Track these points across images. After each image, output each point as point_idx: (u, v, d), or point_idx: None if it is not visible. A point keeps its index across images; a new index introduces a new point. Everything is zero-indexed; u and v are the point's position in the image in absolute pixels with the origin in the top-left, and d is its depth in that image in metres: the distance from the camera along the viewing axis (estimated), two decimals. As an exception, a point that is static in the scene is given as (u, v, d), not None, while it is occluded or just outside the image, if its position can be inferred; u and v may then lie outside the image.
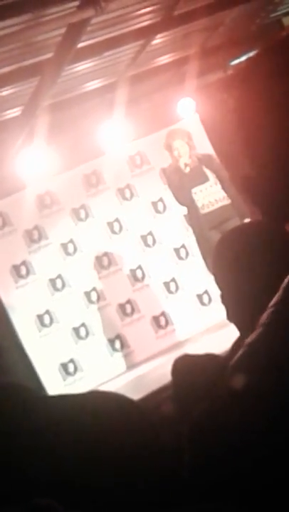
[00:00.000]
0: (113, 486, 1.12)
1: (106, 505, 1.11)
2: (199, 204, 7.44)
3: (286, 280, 0.90)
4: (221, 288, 2.12)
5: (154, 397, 5.10)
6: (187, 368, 2.08)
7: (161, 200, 8.40)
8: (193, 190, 7.42)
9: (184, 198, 7.53)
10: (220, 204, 7.38)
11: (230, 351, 1.94)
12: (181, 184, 7.49)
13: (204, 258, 7.49)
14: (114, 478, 1.14)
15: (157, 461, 1.17)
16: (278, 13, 8.00)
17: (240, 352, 0.87)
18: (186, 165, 7.43)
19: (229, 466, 0.82)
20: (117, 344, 8.34)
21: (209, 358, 2.12)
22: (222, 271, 2.09)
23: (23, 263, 8.20)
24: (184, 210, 7.75)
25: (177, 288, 8.57)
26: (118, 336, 8.35)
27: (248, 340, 0.89)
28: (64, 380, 8.09)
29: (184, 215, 7.90)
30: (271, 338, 0.87)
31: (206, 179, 7.34)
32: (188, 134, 7.65)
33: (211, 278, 2.31)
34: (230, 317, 2.08)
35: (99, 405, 1.29)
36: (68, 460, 1.16)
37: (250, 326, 1.81)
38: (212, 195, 7.34)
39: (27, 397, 1.29)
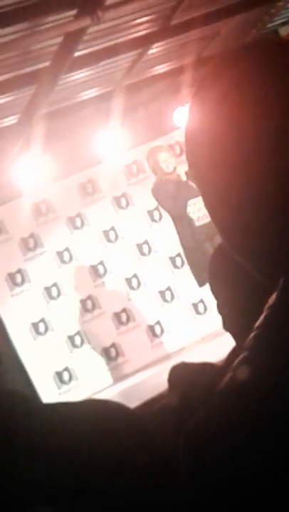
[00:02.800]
0: (109, 492, 1.13)
1: (102, 511, 1.12)
2: (194, 216, 7.47)
3: (281, 282, 0.90)
4: (216, 296, 2.11)
5: (150, 406, 5.09)
6: (184, 375, 2.08)
7: (157, 208, 8.41)
8: (189, 202, 7.45)
9: (179, 208, 7.55)
10: None
11: (226, 360, 1.94)
12: (178, 194, 7.50)
13: (196, 269, 7.51)
14: (110, 484, 1.14)
15: (153, 468, 1.18)
16: (275, 23, 8.03)
17: (240, 357, 0.87)
18: (186, 173, 7.47)
19: (226, 472, 0.82)
20: (112, 353, 8.33)
21: (206, 366, 2.11)
22: (218, 280, 2.09)
23: (19, 271, 8.20)
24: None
25: (173, 297, 8.58)
26: (113, 345, 8.34)
27: (245, 344, 0.89)
28: (59, 388, 8.09)
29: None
30: (265, 340, 0.87)
31: (198, 193, 7.34)
32: (169, 148, 7.74)
33: (206, 287, 2.31)
34: (227, 326, 2.08)
35: (95, 412, 1.29)
36: (64, 466, 1.16)
37: (247, 334, 1.81)
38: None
39: (23, 403, 1.29)
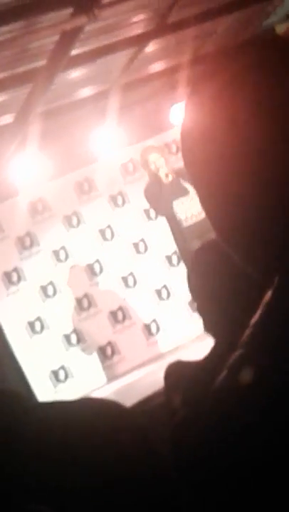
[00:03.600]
0: (104, 487, 1.13)
1: (97, 509, 1.12)
2: (182, 216, 7.50)
3: (276, 279, 0.90)
4: (197, 298, 2.13)
5: (146, 404, 5.10)
6: (180, 374, 2.09)
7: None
8: (175, 202, 7.48)
9: (164, 209, 7.58)
10: (203, 215, 7.41)
11: (209, 357, 1.96)
12: (162, 195, 7.54)
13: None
14: (104, 482, 1.14)
15: (148, 464, 1.18)
16: (271, 21, 8.03)
17: (235, 354, 0.87)
18: (166, 175, 7.52)
19: (210, 467, 0.82)
20: (108, 351, 8.33)
21: (202, 364, 2.12)
22: (199, 281, 2.11)
23: (15, 270, 8.19)
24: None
25: (169, 295, 8.58)
26: (109, 343, 8.34)
27: (240, 342, 0.89)
28: (55, 387, 8.08)
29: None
30: (262, 337, 0.87)
31: (186, 192, 7.36)
32: (162, 148, 7.75)
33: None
34: (207, 327, 2.10)
35: (90, 410, 1.29)
36: (60, 464, 1.16)
37: (229, 335, 1.84)
38: (195, 207, 7.36)
39: (18, 403, 1.29)
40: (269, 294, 0.90)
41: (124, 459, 1.18)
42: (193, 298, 2.14)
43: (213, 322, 2.06)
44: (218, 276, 1.99)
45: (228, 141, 0.92)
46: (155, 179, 7.67)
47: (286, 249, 0.90)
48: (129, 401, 5.40)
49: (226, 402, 0.86)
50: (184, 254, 7.60)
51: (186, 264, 7.70)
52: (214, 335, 2.07)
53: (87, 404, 1.35)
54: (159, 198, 7.57)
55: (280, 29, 8.30)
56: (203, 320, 2.10)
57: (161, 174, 7.60)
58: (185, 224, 7.51)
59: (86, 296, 8.37)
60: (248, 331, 0.88)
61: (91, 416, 1.28)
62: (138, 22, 6.15)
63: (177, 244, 7.73)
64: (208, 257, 2.09)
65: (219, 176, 0.94)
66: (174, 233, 7.70)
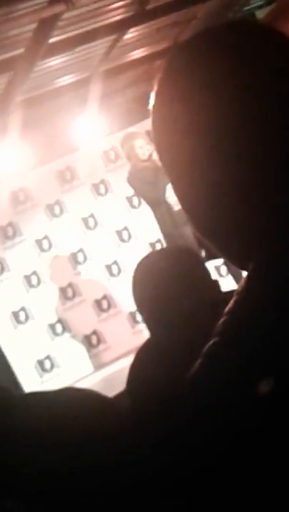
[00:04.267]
0: (86, 480, 1.13)
1: (80, 498, 1.12)
2: (172, 200, 7.45)
3: (250, 266, 0.89)
4: (142, 312, 2.24)
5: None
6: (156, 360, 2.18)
7: (136, 194, 8.39)
8: (167, 186, 7.43)
9: (158, 194, 7.52)
10: None
11: (147, 356, 2.06)
12: (157, 179, 7.48)
13: None
14: (87, 473, 1.15)
15: (129, 456, 1.18)
16: (251, 6, 8.02)
17: (210, 342, 0.87)
18: None
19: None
20: (94, 340, 8.33)
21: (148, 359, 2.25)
22: (142, 291, 2.23)
23: (-2, 260, 8.17)
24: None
25: (153, 283, 8.57)
26: (94, 332, 8.34)
27: (215, 330, 0.88)
28: (41, 377, 8.08)
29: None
30: (237, 324, 0.87)
31: None
32: (144, 135, 7.73)
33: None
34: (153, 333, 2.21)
35: (73, 402, 1.29)
36: (42, 457, 1.16)
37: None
38: None
39: (1, 394, 1.29)
40: (243, 281, 0.89)
41: (104, 445, 1.19)
42: (137, 309, 2.26)
43: (152, 321, 2.18)
44: (157, 282, 2.12)
45: (203, 129, 0.91)
46: (145, 165, 7.59)
47: (260, 236, 0.89)
48: (116, 389, 5.39)
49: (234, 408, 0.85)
50: (174, 240, 7.54)
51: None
52: (150, 330, 2.19)
53: (71, 395, 1.35)
54: (155, 184, 7.50)
55: (260, 15, 8.29)
56: (150, 331, 2.24)
57: (156, 158, 7.53)
58: (175, 208, 7.47)
59: (70, 285, 8.36)
60: (222, 319, 0.88)
61: (75, 407, 1.28)
62: (117, 9, 6.11)
63: (165, 230, 7.68)
64: (149, 265, 2.22)
65: (190, 157, 0.93)
66: (163, 219, 7.64)
